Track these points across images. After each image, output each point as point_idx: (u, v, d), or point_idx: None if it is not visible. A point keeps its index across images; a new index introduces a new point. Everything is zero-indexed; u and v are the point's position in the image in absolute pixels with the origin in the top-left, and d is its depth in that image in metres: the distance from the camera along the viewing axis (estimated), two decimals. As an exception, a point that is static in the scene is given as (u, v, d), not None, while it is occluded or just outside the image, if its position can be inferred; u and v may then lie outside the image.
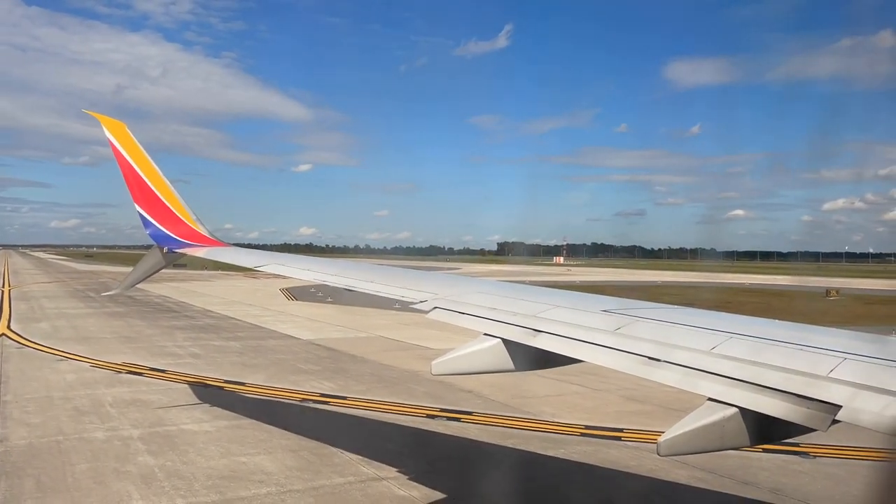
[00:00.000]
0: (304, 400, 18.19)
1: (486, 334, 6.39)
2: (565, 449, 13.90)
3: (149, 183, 12.08)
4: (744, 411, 4.27)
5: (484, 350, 6.20)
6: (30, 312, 39.75)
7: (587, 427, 15.59)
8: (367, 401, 18.02)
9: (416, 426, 15.62)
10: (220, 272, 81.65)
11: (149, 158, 12.13)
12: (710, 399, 4.45)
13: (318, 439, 14.16)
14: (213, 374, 21.57)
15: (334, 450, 13.45)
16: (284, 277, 12.16)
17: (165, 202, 12.18)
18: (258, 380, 20.67)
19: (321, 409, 17.23)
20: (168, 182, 12.31)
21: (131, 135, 12.11)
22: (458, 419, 16.06)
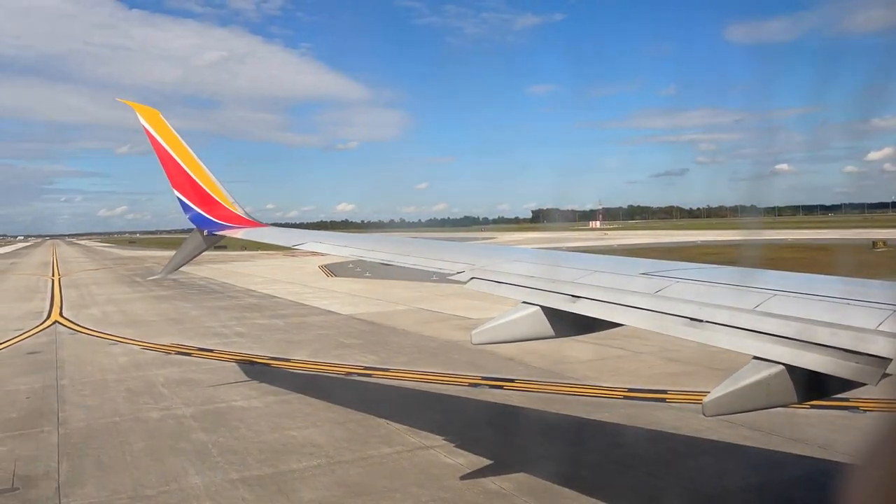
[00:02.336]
0: (348, 374, 18.46)
1: (524, 302, 6.41)
2: (610, 412, 13.92)
3: (185, 168, 12.28)
4: (790, 368, 4.23)
5: (523, 318, 6.23)
6: (80, 299, 40.99)
7: (630, 390, 15.56)
8: (411, 371, 18.23)
9: (459, 395, 15.79)
10: (259, 252, 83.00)
11: (184, 144, 12.32)
12: (756, 357, 4.42)
13: (364, 411, 14.43)
14: (259, 351, 21.92)
15: (380, 420, 13.70)
16: (322, 255, 12.28)
17: (203, 186, 12.39)
18: (303, 355, 21.01)
19: (365, 382, 17.52)
20: (204, 166, 12.51)
21: (166, 121, 12.30)
22: (500, 387, 16.18)
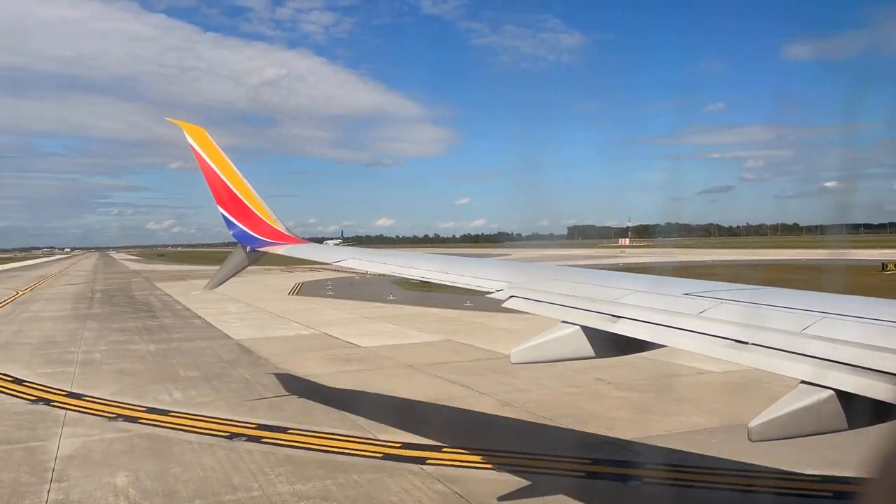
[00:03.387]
0: (116, 416, 15.98)
1: (563, 321, 6.35)
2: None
3: (230, 185, 12.54)
4: (841, 394, 4.10)
5: (563, 338, 6.16)
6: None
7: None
8: (189, 416, 15.97)
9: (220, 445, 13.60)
10: (279, 266, 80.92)
11: (229, 161, 12.60)
12: (804, 382, 4.29)
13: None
14: (68, 385, 19.51)
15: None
16: (360, 272, 12.32)
17: (246, 203, 12.62)
18: (107, 392, 18.55)
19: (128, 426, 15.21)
20: (248, 183, 12.76)
21: (212, 140, 12.60)
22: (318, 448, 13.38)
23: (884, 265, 56.12)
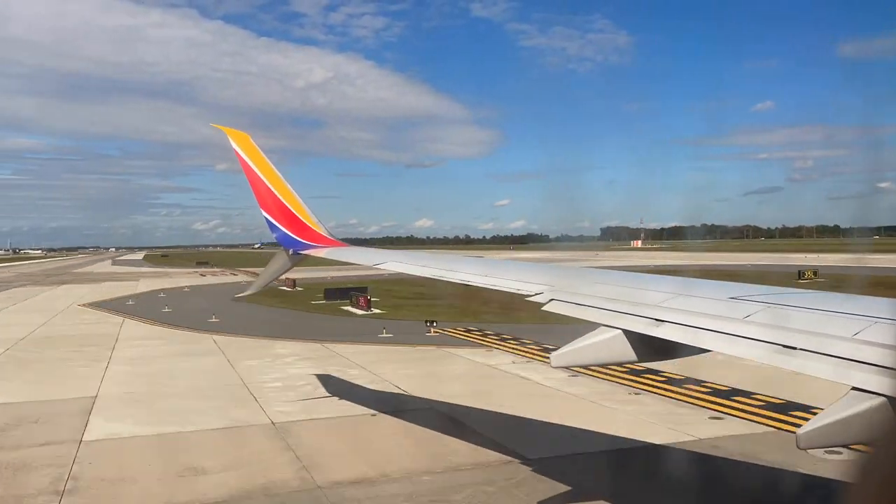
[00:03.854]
0: None
1: (605, 325, 6.30)
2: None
3: (273, 189, 12.76)
4: (894, 401, 3.97)
5: (604, 341, 6.11)
6: None
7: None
8: None
9: None
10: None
11: (272, 166, 12.83)
12: (854, 388, 4.17)
13: None
14: None
15: None
16: (402, 274, 12.33)
17: (289, 207, 12.83)
18: None
19: None
20: (291, 187, 12.96)
21: (255, 145, 12.85)
22: None
23: (800, 273, 53.07)
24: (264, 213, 12.82)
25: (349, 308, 40.92)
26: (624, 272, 9.67)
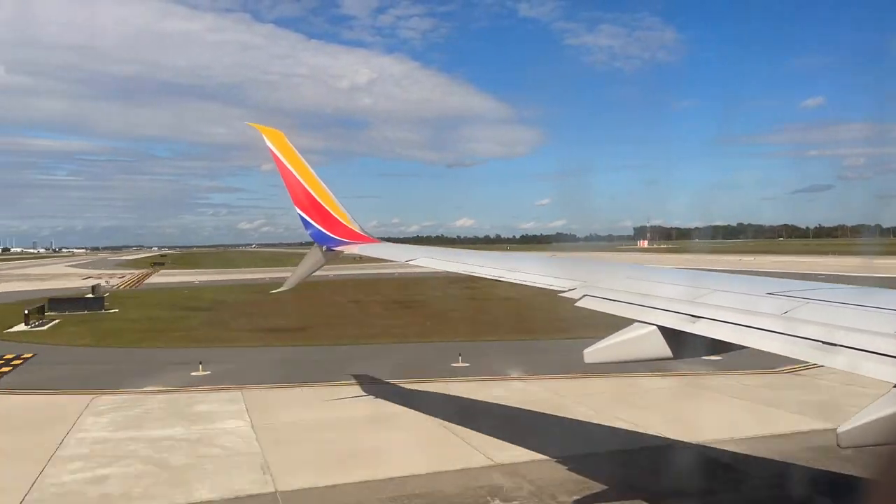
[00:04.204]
0: None
1: (639, 321, 6.27)
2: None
3: (307, 187, 12.92)
4: (939, 399, 3.91)
5: (639, 338, 6.09)
6: None
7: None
8: None
9: None
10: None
11: (306, 164, 12.98)
12: (897, 386, 4.12)
13: None
14: None
15: None
16: (434, 270, 12.38)
17: (323, 204, 12.98)
18: None
19: None
20: (324, 185, 13.11)
21: (289, 143, 13.01)
22: None
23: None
24: (298, 210, 12.99)
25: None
26: (657, 267, 9.59)
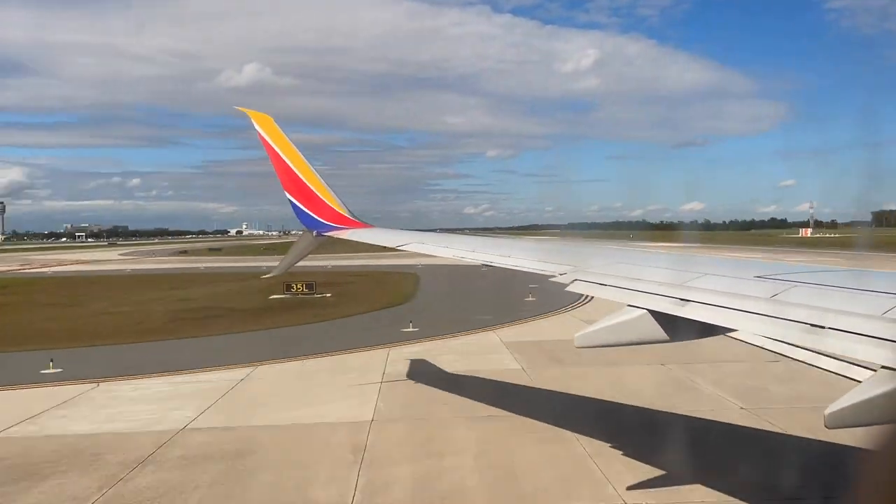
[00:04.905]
0: None
1: (630, 305, 6.30)
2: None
3: (297, 172, 12.85)
4: (925, 380, 3.95)
5: (630, 321, 6.11)
6: None
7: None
8: None
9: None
10: None
11: (296, 149, 12.90)
12: (885, 367, 4.15)
13: None
14: None
15: None
16: (428, 256, 12.33)
17: (312, 189, 12.92)
18: None
19: None
20: (313, 169, 13.04)
21: (278, 127, 12.92)
22: None
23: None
24: (288, 196, 12.91)
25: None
26: (647, 252, 9.64)
